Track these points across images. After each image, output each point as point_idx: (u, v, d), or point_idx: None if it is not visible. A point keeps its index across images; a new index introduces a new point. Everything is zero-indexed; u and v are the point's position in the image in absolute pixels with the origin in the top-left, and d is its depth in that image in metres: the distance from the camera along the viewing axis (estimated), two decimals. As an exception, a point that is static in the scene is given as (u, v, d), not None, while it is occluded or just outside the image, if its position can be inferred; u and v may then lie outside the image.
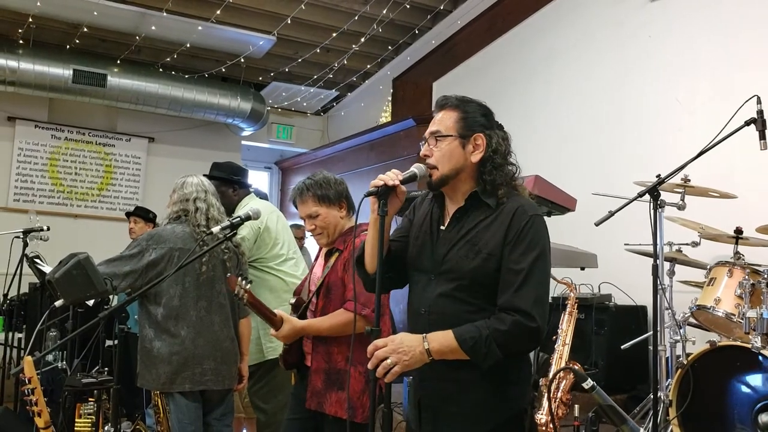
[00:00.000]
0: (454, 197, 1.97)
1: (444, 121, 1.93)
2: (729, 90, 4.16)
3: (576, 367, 2.82)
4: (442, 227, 1.97)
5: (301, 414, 2.64)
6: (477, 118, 1.94)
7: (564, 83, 5.53)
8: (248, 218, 2.76)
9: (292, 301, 2.77)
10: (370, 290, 2.07)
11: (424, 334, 1.81)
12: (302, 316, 2.69)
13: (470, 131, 1.92)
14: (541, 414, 2.88)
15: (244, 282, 2.46)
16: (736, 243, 3.33)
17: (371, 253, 1.99)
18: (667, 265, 3.66)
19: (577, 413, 2.86)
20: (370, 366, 1.78)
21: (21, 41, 6.66)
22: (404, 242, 2.07)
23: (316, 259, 2.85)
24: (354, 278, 2.14)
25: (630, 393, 4.16)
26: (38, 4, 5.98)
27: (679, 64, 4.64)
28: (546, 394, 2.91)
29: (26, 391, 2.07)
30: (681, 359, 3.16)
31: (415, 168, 1.91)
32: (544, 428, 2.81)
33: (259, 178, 9.53)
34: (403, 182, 1.89)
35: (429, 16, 6.97)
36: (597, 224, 2.80)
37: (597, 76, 5.25)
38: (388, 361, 1.76)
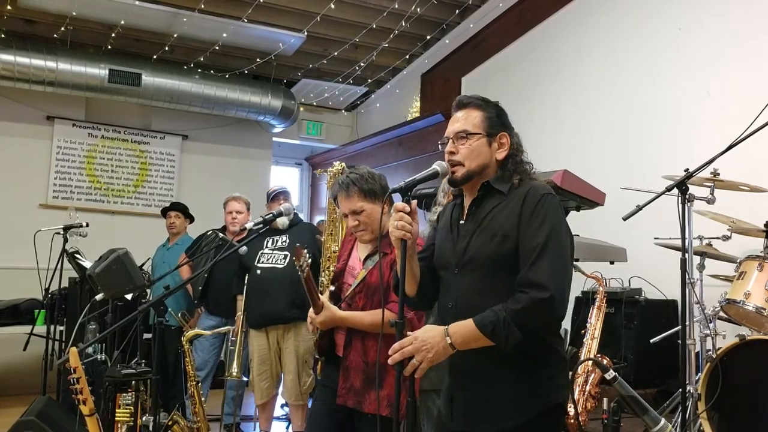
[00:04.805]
0: (472, 192, 2.01)
1: (470, 119, 1.99)
2: (759, 83, 4.11)
3: (604, 360, 2.83)
4: (462, 222, 2.02)
5: (330, 401, 2.62)
6: (500, 118, 2.01)
7: (593, 77, 5.50)
8: (280, 214, 2.84)
9: (332, 288, 2.77)
10: (416, 309, 2.29)
11: (446, 327, 1.84)
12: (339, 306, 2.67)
13: (496, 129, 1.99)
14: (569, 407, 2.91)
15: (308, 256, 2.43)
16: (767, 237, 3.31)
17: (405, 279, 1.97)
18: (697, 259, 3.63)
19: (606, 406, 2.89)
20: (390, 362, 1.82)
21: (59, 43, 6.84)
22: (432, 251, 2.12)
23: (351, 249, 2.79)
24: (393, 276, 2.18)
25: (660, 387, 4.15)
26: (75, 6, 6.14)
27: (709, 57, 4.58)
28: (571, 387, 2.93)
29: (71, 380, 2.16)
30: (710, 353, 3.15)
31: (437, 165, 1.98)
32: (571, 420, 2.84)
33: (289, 174, 9.64)
34: (424, 180, 1.95)
35: (457, 11, 6.97)
36: (625, 218, 2.81)
37: (626, 70, 5.21)
38: (414, 360, 1.81)
